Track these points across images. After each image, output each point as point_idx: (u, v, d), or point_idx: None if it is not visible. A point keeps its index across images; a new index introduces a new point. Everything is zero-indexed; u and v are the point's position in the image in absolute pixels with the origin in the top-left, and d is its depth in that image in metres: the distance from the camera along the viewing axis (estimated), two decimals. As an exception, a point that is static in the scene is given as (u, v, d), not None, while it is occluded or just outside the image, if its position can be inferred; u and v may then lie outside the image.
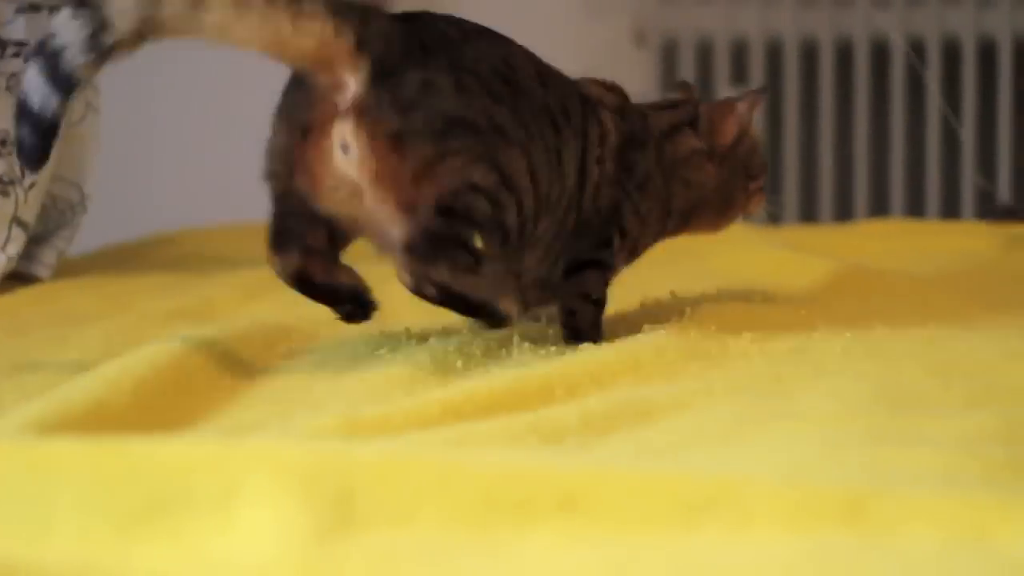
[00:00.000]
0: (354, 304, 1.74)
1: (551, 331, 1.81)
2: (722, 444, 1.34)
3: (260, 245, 1.70)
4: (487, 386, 1.53)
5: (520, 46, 1.74)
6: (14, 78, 2.37)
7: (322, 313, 1.75)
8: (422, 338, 1.78)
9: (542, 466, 1.14)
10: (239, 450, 1.12)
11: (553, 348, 1.72)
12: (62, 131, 1.66)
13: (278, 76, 1.67)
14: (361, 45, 1.60)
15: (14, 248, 2.40)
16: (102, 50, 1.55)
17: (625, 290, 1.90)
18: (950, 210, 3.64)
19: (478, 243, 1.68)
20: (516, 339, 1.73)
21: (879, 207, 3.68)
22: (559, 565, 1.03)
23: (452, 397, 1.49)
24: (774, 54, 3.69)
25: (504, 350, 1.71)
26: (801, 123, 3.69)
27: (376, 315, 1.75)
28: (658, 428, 1.41)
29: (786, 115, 3.68)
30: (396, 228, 1.63)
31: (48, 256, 2.52)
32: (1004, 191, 3.59)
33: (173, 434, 1.45)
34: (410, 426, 1.41)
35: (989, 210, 3.51)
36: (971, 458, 1.24)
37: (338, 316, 1.75)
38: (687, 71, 3.71)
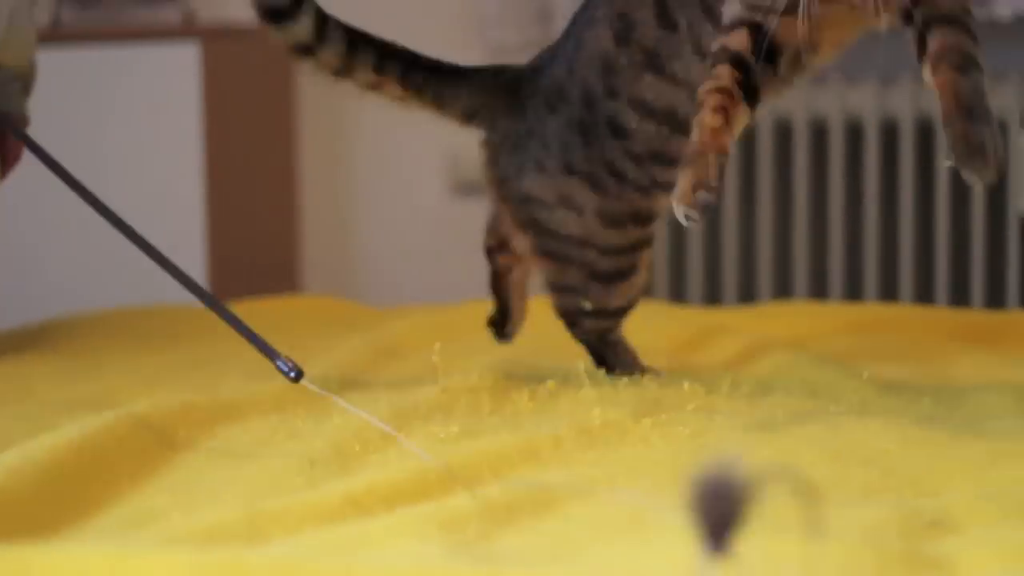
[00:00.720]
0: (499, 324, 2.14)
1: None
2: (623, 536, 1.34)
3: (157, 329, 1.70)
4: (387, 476, 1.52)
5: None
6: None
7: (223, 398, 1.74)
8: (322, 418, 1.78)
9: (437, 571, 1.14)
10: (132, 561, 1.11)
11: (455, 429, 1.72)
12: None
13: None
14: None
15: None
16: None
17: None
18: (853, 292, 3.68)
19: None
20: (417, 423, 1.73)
21: (783, 289, 3.72)
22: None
23: (352, 489, 1.48)
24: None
25: (404, 433, 1.70)
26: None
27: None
28: (559, 518, 1.41)
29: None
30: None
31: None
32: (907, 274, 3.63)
33: (74, 526, 1.43)
34: (310, 521, 1.40)
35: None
36: (868, 550, 1.25)
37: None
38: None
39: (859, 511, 1.40)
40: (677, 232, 3.71)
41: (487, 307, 2.16)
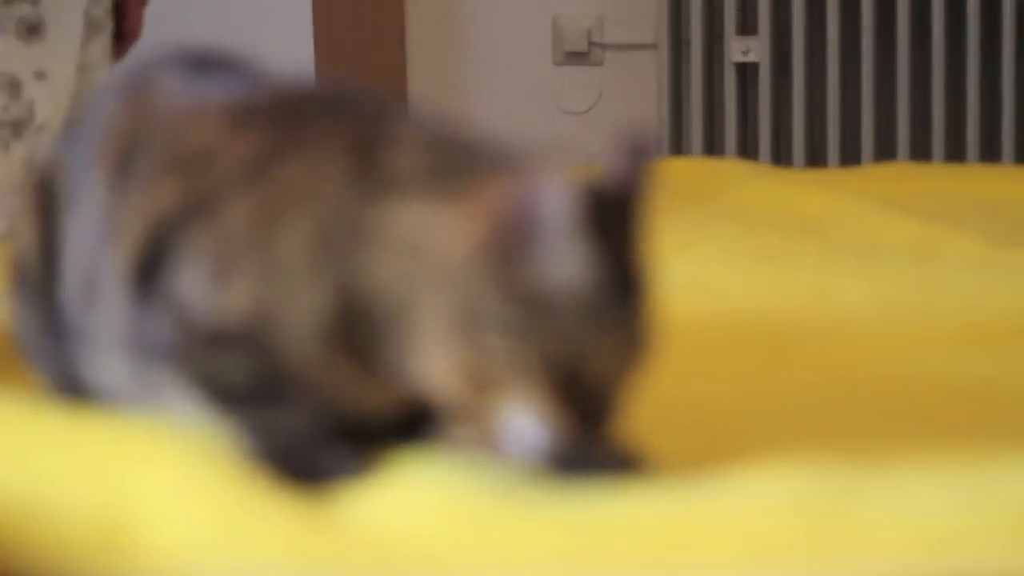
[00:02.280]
0: None
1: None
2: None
3: None
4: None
5: None
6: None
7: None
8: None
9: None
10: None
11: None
12: None
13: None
14: None
15: None
16: None
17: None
18: (955, 154, 3.65)
19: None
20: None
21: (886, 150, 3.69)
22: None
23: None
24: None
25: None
26: (809, 64, 3.68)
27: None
28: None
29: (794, 58, 3.68)
30: None
31: None
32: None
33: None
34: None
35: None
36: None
37: None
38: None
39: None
40: (778, 92, 3.68)
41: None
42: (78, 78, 2.26)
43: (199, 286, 1.28)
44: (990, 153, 3.59)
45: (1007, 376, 1.54)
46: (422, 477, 1.20)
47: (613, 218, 1.21)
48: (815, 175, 3.02)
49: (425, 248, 1.22)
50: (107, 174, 1.38)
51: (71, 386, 1.44)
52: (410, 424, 1.37)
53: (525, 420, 1.19)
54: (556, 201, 1.17)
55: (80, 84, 2.27)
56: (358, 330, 1.25)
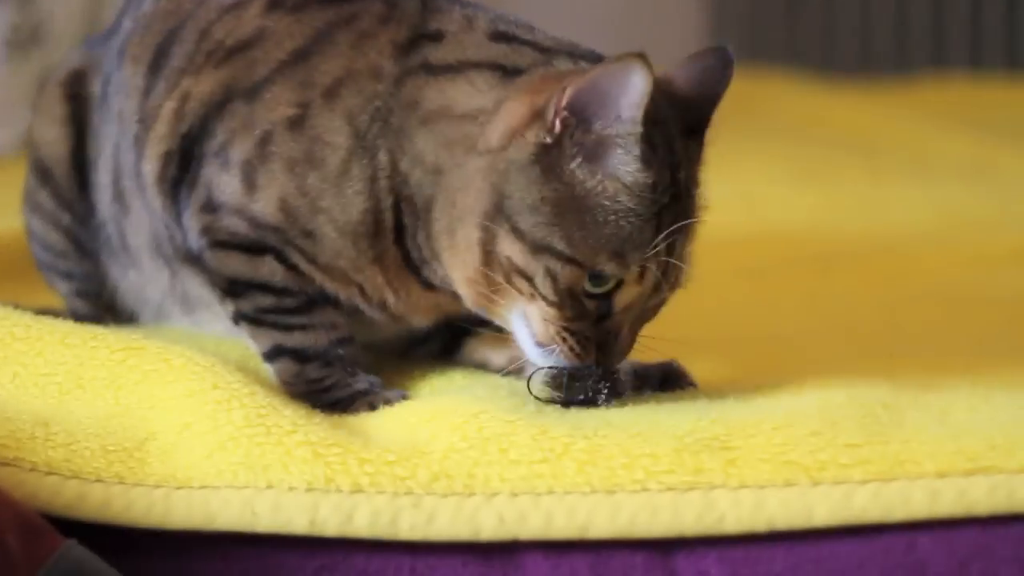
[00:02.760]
0: None
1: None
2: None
3: None
4: None
5: None
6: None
7: None
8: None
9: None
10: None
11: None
12: None
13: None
14: None
15: None
16: None
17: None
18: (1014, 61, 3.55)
19: None
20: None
21: (939, 57, 3.60)
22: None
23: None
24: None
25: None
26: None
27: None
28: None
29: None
30: None
31: None
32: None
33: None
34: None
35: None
36: None
37: None
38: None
39: None
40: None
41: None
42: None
43: (232, 186, 1.26)
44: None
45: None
46: (436, 402, 1.16)
47: (684, 115, 1.17)
48: (864, 85, 2.95)
49: (471, 132, 1.18)
50: (142, 68, 1.34)
51: (99, 306, 1.43)
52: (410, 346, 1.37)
53: (529, 325, 1.16)
54: (627, 92, 1.11)
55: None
56: (396, 219, 1.22)
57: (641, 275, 1.15)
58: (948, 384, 1.19)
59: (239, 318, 1.29)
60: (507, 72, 1.20)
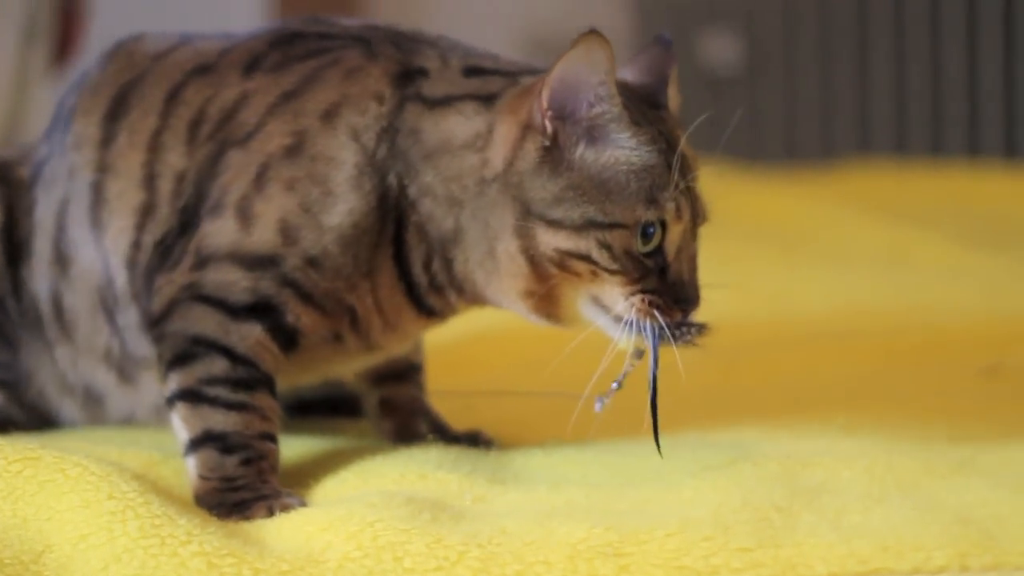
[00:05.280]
0: None
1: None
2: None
3: None
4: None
5: None
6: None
7: None
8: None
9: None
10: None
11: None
12: None
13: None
14: None
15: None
16: None
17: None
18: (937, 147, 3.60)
19: None
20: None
21: (865, 144, 3.64)
22: None
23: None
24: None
25: None
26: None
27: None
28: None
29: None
30: None
31: None
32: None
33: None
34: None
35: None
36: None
37: None
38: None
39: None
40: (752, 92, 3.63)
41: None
42: (16, 86, 2.22)
43: (226, 229, 1.27)
44: (972, 148, 3.54)
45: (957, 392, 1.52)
46: (331, 510, 1.15)
47: (645, 97, 1.26)
48: (790, 174, 2.97)
49: (474, 161, 1.25)
50: (95, 118, 1.36)
51: (11, 399, 1.40)
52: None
53: (604, 307, 1.22)
54: (594, 70, 1.21)
55: (19, 91, 2.23)
56: (396, 235, 1.26)
57: (677, 212, 1.23)
58: (844, 484, 1.19)
59: (177, 397, 1.27)
60: (485, 100, 1.28)
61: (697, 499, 1.15)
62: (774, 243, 1.98)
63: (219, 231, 1.28)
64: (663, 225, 1.23)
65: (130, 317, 1.34)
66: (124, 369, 1.36)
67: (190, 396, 1.27)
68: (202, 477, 1.24)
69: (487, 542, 1.09)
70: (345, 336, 1.29)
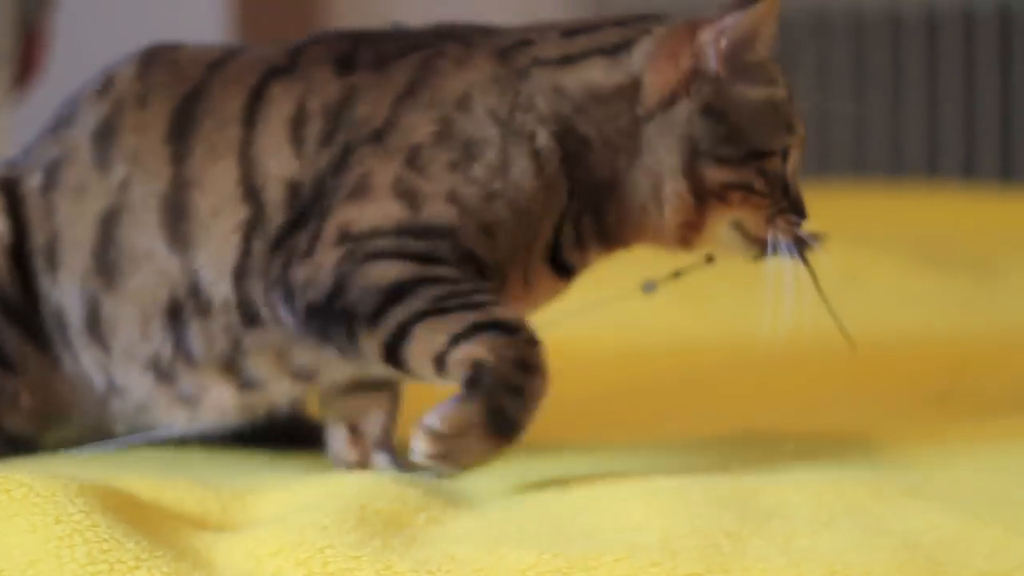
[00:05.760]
0: None
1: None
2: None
3: None
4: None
5: None
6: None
7: None
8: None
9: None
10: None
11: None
12: None
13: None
14: None
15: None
16: None
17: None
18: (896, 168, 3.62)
19: None
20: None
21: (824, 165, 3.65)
22: None
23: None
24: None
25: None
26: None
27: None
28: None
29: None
30: None
31: None
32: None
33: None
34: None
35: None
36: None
37: None
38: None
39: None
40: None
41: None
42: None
43: (386, 210, 1.28)
44: (932, 168, 3.56)
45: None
46: (282, 535, 1.15)
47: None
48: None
49: (623, 107, 1.31)
50: (155, 134, 1.36)
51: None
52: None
53: (743, 229, 1.32)
54: (773, 24, 1.32)
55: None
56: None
57: (800, 137, 1.36)
58: (794, 509, 1.19)
59: (407, 325, 1.27)
60: (611, 52, 1.34)
61: (645, 524, 1.15)
62: (727, 265, 1.98)
63: (375, 212, 1.30)
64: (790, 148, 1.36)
65: (220, 322, 1.35)
66: (166, 370, 1.37)
67: (430, 313, 1.27)
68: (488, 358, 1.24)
69: (437, 569, 1.09)
70: None
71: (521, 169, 1.31)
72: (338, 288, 1.29)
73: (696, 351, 1.73)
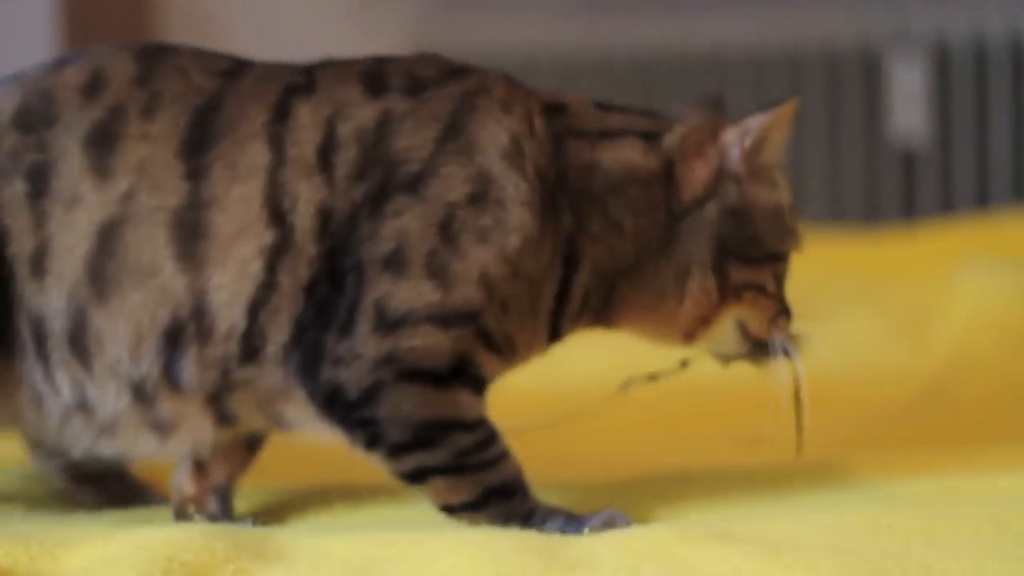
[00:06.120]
0: None
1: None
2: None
3: None
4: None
5: None
6: None
7: None
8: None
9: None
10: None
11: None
12: None
13: None
14: None
15: None
16: None
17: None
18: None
19: None
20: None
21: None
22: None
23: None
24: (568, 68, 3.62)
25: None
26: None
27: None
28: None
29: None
30: None
31: None
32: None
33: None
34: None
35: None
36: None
37: None
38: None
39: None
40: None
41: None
42: None
43: (419, 290, 1.28)
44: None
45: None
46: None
47: None
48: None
49: (657, 196, 1.33)
50: (168, 147, 1.31)
51: None
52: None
53: (743, 328, 1.37)
54: (788, 129, 1.37)
55: None
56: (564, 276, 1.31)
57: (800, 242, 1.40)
58: (600, 557, 1.20)
59: (431, 473, 1.29)
60: (646, 137, 1.36)
61: (451, 572, 1.16)
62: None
63: (409, 292, 1.28)
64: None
65: (217, 352, 1.30)
66: (148, 394, 1.32)
67: (449, 471, 1.28)
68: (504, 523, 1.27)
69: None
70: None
71: (548, 244, 1.32)
72: (371, 397, 1.28)
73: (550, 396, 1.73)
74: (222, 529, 1.28)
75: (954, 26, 3.44)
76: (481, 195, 1.29)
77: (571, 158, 1.33)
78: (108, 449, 1.36)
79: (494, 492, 1.29)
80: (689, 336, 1.37)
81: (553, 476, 1.43)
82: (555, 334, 1.36)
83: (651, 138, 1.36)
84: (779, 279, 1.38)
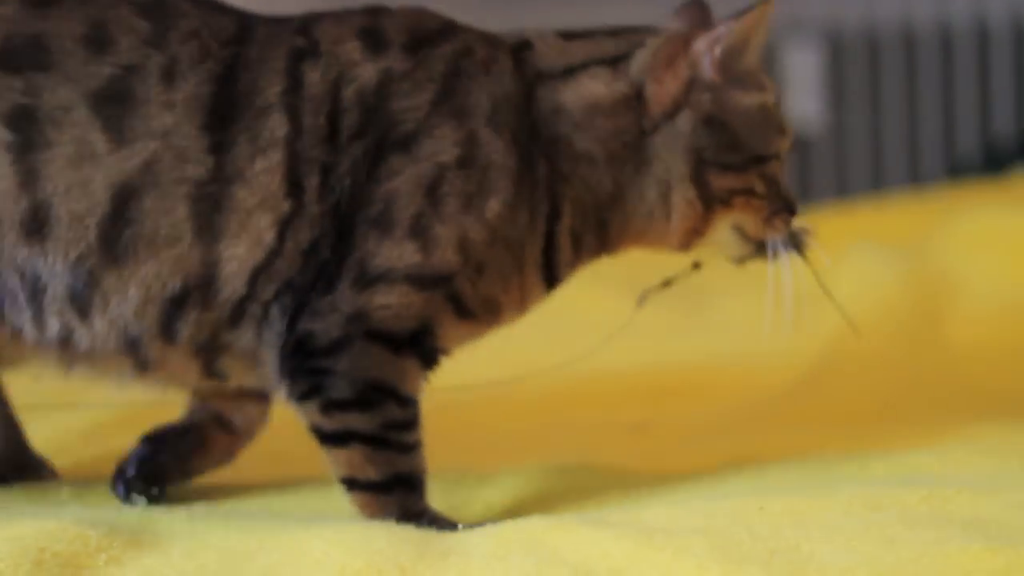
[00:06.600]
0: None
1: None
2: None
3: None
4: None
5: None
6: None
7: None
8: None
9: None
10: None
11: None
12: None
13: None
14: None
15: None
16: None
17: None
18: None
19: None
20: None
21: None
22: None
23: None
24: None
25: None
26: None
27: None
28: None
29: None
30: None
31: None
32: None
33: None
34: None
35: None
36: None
37: None
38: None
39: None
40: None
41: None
42: None
43: (402, 251, 1.29)
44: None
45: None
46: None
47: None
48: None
49: (627, 119, 1.34)
50: (192, 117, 1.30)
51: None
52: None
53: (741, 231, 1.38)
54: (764, 31, 1.38)
55: None
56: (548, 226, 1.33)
57: (790, 138, 1.40)
58: (472, 546, 1.22)
59: (353, 438, 1.30)
60: (611, 63, 1.37)
61: (324, 560, 1.17)
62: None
63: (392, 252, 1.30)
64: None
65: (212, 316, 1.31)
66: (140, 343, 1.31)
67: (372, 441, 1.30)
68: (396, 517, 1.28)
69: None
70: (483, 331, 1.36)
71: (524, 207, 1.33)
72: (336, 349, 1.29)
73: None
74: (98, 517, 1.28)
75: (848, 13, 3.48)
76: (469, 159, 1.32)
77: (541, 108, 1.35)
78: (82, 373, 1.35)
79: (401, 480, 1.31)
80: (687, 246, 1.40)
81: (439, 462, 1.44)
82: (553, 280, 1.38)
83: (619, 61, 1.38)
84: (770, 180, 1.39)
